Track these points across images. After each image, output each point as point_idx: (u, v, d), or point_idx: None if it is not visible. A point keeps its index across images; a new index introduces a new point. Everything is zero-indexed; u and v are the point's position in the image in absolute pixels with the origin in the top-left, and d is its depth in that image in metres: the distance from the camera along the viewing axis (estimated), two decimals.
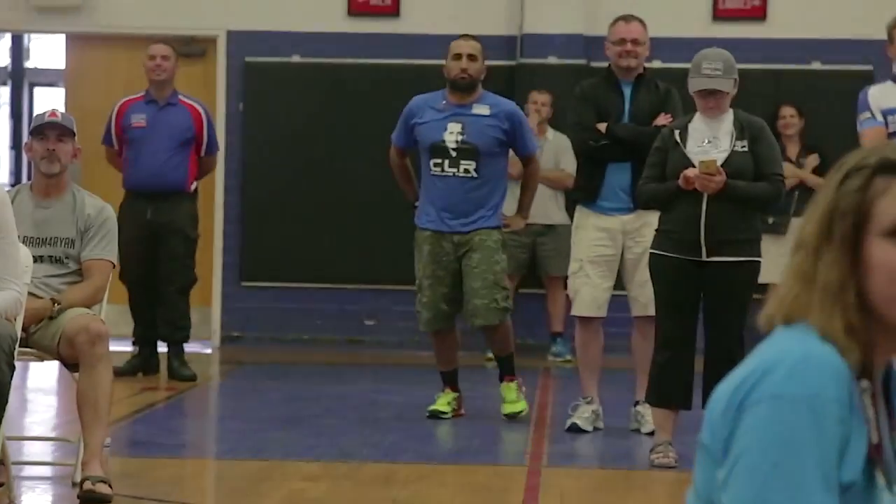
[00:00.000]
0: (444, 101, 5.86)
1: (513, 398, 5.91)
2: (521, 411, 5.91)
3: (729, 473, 1.39)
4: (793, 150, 7.50)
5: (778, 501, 1.35)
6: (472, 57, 5.82)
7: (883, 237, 1.33)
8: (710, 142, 4.96)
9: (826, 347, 1.34)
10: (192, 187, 7.00)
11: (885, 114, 5.57)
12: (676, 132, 5.06)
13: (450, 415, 5.90)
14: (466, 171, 5.74)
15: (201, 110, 6.97)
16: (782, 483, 1.35)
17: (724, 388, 1.43)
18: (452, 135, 5.73)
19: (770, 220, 7.91)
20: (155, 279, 6.93)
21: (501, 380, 5.97)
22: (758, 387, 1.36)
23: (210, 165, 7.21)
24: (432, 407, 5.91)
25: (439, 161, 5.77)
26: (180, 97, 6.96)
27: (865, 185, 1.36)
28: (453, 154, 5.73)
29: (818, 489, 1.34)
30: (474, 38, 6.08)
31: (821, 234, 1.37)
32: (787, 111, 7.81)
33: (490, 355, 9.15)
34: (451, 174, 5.76)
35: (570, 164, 7.54)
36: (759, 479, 1.35)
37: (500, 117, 5.83)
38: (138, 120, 6.84)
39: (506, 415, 5.89)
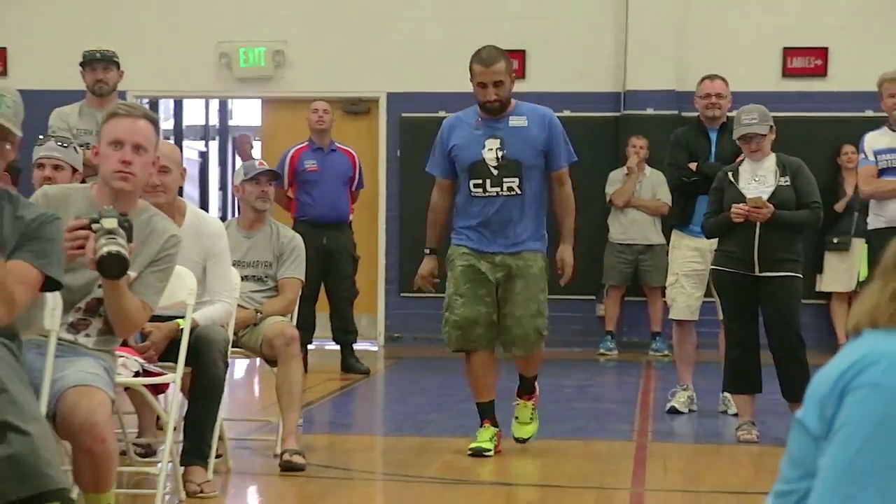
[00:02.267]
0: (477, 118, 4.61)
1: (526, 419, 4.81)
2: (531, 436, 4.80)
3: (830, 442, 1.39)
4: (852, 181, 7.43)
5: (866, 468, 1.36)
6: (497, 84, 4.50)
7: None
8: (757, 180, 5.09)
9: None
10: (351, 217, 7.35)
11: (876, 153, 5.66)
12: (730, 174, 5.19)
13: (492, 452, 4.58)
14: (510, 189, 4.54)
15: (355, 154, 7.29)
16: (872, 454, 1.35)
17: (826, 376, 1.42)
18: (492, 151, 4.52)
19: (835, 240, 8.17)
20: (320, 293, 7.14)
21: (520, 396, 4.79)
22: (860, 376, 1.37)
23: (356, 198, 7.45)
24: (474, 444, 4.60)
25: (480, 182, 4.54)
26: (337, 144, 7.26)
27: None
28: (495, 172, 4.52)
29: None
30: (497, 51, 4.61)
31: None
32: (848, 149, 7.86)
33: (603, 350, 8.99)
34: (494, 194, 4.54)
35: (665, 196, 7.69)
36: (854, 447, 1.36)
37: (538, 125, 4.63)
38: (311, 165, 7.12)
39: (516, 438, 4.78)
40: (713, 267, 5.38)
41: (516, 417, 4.81)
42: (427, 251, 4.77)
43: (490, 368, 4.67)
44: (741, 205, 5.00)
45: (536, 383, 4.87)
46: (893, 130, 5.69)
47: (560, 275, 4.66)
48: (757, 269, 5.06)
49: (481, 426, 4.61)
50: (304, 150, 7.27)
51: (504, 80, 4.49)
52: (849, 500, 1.36)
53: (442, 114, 9.75)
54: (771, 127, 5.13)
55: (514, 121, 4.53)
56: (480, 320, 4.51)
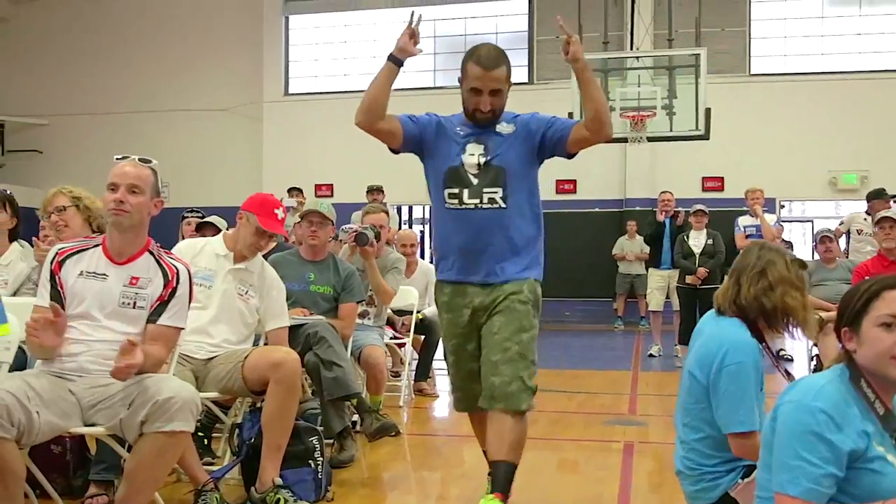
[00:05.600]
0: (461, 126, 3.36)
1: None
2: None
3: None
4: None
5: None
6: (495, 93, 3.26)
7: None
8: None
9: None
10: None
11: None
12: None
13: None
14: (492, 200, 3.25)
15: None
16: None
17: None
18: (473, 157, 3.28)
19: None
20: None
21: (490, 492, 3.17)
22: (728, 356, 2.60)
23: None
24: None
25: (456, 191, 3.28)
26: None
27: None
28: (474, 181, 3.26)
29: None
30: (499, 52, 3.30)
31: None
32: None
33: (616, 326, 12.62)
34: (471, 206, 3.26)
35: (646, 250, 10.07)
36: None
37: (525, 127, 3.34)
38: None
39: None
40: (677, 285, 8.43)
41: None
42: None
43: None
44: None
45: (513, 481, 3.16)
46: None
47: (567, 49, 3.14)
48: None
49: (488, 493, 3.20)
50: None
51: (503, 88, 3.27)
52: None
53: None
54: None
55: (501, 127, 3.33)
56: (474, 379, 3.30)
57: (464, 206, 3.31)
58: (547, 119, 3.35)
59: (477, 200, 3.29)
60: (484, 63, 3.24)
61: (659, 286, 9.11)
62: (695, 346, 2.76)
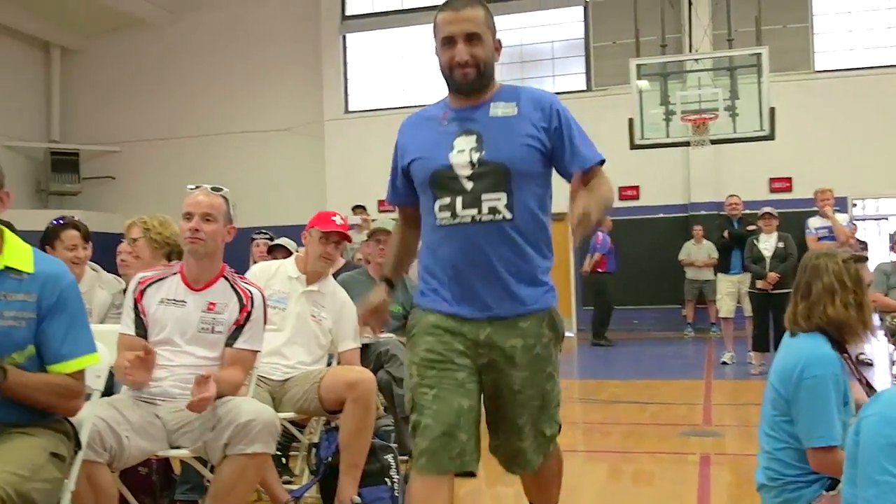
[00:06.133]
0: (445, 110, 2.53)
1: None
2: None
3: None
4: None
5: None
6: (472, 39, 2.43)
7: None
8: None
9: None
10: None
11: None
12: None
13: None
14: (493, 210, 2.41)
15: None
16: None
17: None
18: (464, 154, 2.42)
19: None
20: None
21: None
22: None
23: None
24: None
25: (447, 202, 2.43)
26: None
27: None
28: (468, 186, 2.41)
29: None
30: None
31: None
32: None
33: (685, 333, 12.53)
34: (467, 220, 2.42)
35: (714, 255, 10.03)
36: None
37: (534, 110, 2.48)
38: None
39: None
40: (749, 290, 8.26)
41: None
42: (378, 282, 2.70)
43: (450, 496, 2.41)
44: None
45: None
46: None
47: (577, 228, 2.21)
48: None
49: None
50: None
51: (482, 33, 2.44)
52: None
53: None
54: None
55: (498, 107, 2.48)
56: (463, 422, 2.38)
57: (458, 221, 2.44)
58: (568, 133, 2.48)
59: (474, 211, 2.43)
60: (453, 4, 2.47)
61: (729, 292, 8.94)
62: (777, 357, 2.73)
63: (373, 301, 2.62)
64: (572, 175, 2.39)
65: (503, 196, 2.43)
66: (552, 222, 2.58)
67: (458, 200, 2.44)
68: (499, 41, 2.53)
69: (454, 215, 2.45)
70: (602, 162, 2.51)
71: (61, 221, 4.11)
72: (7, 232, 2.46)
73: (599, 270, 11.63)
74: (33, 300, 2.35)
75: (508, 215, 2.44)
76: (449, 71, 2.49)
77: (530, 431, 2.55)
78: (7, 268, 2.37)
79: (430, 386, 2.44)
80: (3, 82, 14.72)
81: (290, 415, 3.74)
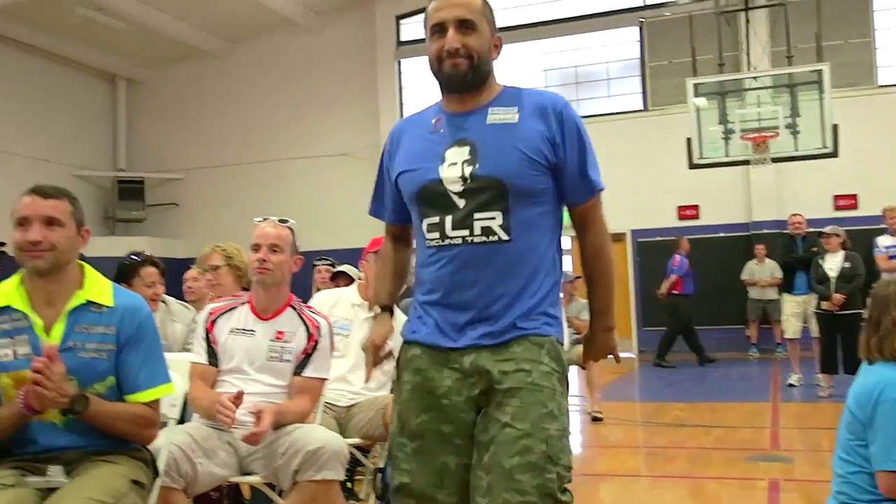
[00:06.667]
0: (437, 117, 2.22)
1: None
2: None
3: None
4: None
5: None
6: (464, 26, 2.14)
7: None
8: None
9: None
10: None
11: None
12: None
13: None
14: (487, 231, 2.09)
15: None
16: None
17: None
18: (455, 167, 2.12)
19: None
20: None
21: None
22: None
23: None
24: None
25: (436, 220, 2.13)
26: None
27: None
28: (460, 203, 2.10)
29: None
30: None
31: None
32: None
33: (750, 354, 12.33)
34: (458, 242, 2.11)
35: (778, 274, 10.21)
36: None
37: (537, 118, 2.14)
38: None
39: None
40: (815, 311, 8.04)
41: None
42: (377, 311, 2.39)
43: None
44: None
45: None
46: None
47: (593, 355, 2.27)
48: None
49: None
50: None
51: (478, 22, 2.15)
52: None
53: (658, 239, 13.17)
54: None
55: (496, 114, 2.15)
56: (446, 483, 2.07)
57: (448, 243, 2.11)
58: (573, 150, 2.13)
59: (465, 232, 2.10)
60: None
61: (794, 312, 8.79)
62: (856, 382, 2.70)
63: (375, 338, 2.25)
64: (574, 204, 2.17)
65: (498, 215, 2.09)
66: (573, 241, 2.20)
67: (448, 219, 2.11)
68: (499, 38, 2.20)
69: (443, 236, 2.13)
70: (600, 190, 2.19)
71: (137, 258, 4.23)
72: (87, 267, 2.57)
73: (675, 292, 11.60)
74: (113, 332, 2.45)
75: (505, 237, 2.10)
76: (438, 64, 2.15)
77: (528, 483, 1.93)
78: (88, 301, 2.47)
79: (411, 437, 2.10)
80: (73, 114, 15.24)
81: (356, 440, 3.78)
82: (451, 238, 2.11)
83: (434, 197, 2.13)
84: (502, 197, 2.09)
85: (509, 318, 2.08)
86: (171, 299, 4.37)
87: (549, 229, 2.16)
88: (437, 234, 2.13)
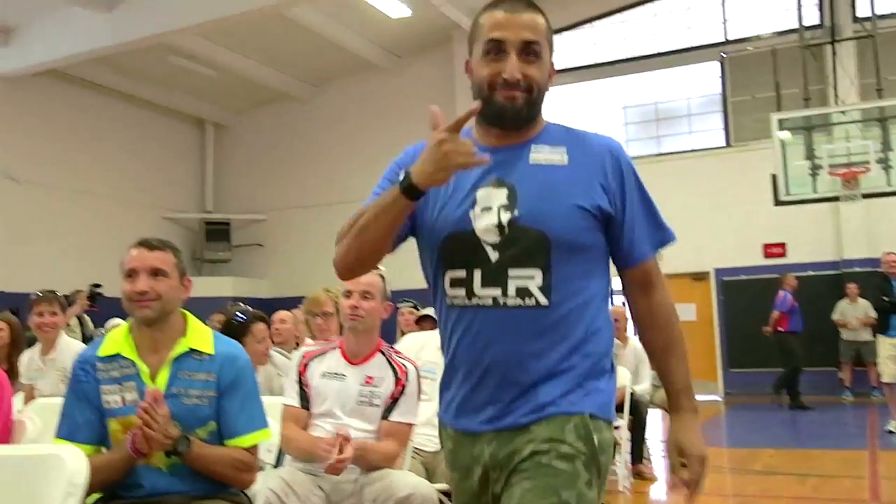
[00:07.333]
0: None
1: None
2: None
3: None
4: None
5: None
6: (529, 50, 1.77)
7: None
8: None
9: None
10: None
11: None
12: None
13: None
14: (523, 292, 1.73)
15: None
16: None
17: None
18: (490, 213, 1.76)
19: None
20: None
21: None
22: None
23: None
24: None
25: (462, 275, 1.77)
26: None
27: None
28: (493, 256, 1.74)
29: None
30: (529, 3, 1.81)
31: None
32: None
33: (844, 398, 11.84)
34: (488, 302, 1.74)
35: (872, 314, 9.71)
36: None
37: (592, 163, 1.80)
38: None
39: None
40: None
41: None
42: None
43: None
44: None
45: None
46: None
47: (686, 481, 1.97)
48: None
49: None
50: None
51: (543, 49, 1.81)
52: None
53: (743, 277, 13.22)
54: None
55: (541, 152, 1.82)
56: None
57: (476, 303, 1.78)
58: (632, 201, 1.84)
59: (497, 291, 1.76)
60: (507, 6, 1.81)
61: (890, 355, 8.40)
62: None
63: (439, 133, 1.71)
64: (636, 261, 1.83)
65: (537, 274, 1.75)
66: (626, 304, 1.89)
67: (477, 275, 1.77)
68: (552, 66, 1.86)
69: (470, 294, 1.78)
70: (669, 243, 1.89)
71: (244, 317, 4.37)
72: (189, 315, 2.67)
73: (781, 329, 11.33)
74: (214, 379, 2.55)
75: (544, 301, 1.75)
76: (489, 91, 1.80)
77: None
78: (191, 349, 2.57)
79: None
80: (163, 158, 15.84)
81: (444, 486, 3.78)
82: (479, 297, 1.77)
83: (462, 247, 1.78)
84: (543, 252, 1.74)
85: (542, 397, 1.74)
86: (272, 353, 4.49)
87: (596, 290, 1.82)
88: (461, 292, 1.79)
